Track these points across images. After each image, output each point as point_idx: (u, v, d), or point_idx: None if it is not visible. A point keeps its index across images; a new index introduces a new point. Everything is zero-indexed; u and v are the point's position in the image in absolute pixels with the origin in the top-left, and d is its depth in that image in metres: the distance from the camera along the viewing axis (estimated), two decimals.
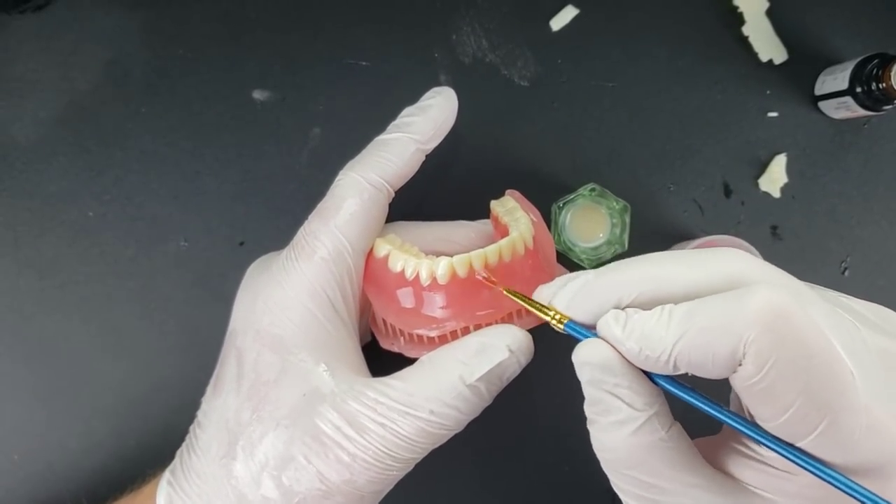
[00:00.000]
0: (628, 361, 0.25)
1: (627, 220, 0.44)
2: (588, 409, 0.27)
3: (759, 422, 0.24)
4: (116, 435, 0.45)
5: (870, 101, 0.43)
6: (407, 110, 0.38)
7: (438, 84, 0.46)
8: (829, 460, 0.23)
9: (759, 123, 0.47)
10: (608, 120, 0.47)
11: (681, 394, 0.25)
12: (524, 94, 0.47)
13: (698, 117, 0.47)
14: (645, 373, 0.26)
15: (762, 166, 0.47)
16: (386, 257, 0.36)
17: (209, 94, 0.46)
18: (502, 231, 0.38)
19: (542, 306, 0.29)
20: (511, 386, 0.46)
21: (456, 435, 0.45)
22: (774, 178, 0.47)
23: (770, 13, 0.47)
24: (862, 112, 0.44)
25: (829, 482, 0.23)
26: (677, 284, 0.25)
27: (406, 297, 0.35)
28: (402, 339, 0.37)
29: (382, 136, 0.37)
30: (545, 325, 0.33)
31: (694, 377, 0.25)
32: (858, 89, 0.43)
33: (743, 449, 0.26)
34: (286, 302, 0.34)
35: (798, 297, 0.24)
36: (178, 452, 0.35)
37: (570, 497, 0.46)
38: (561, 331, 0.28)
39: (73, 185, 0.45)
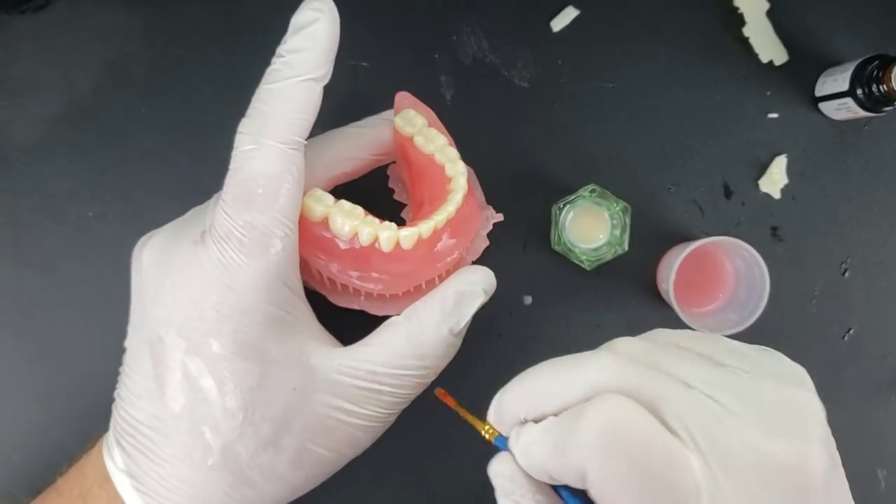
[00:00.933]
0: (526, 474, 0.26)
1: (628, 220, 0.44)
2: None
3: None
4: None
5: (870, 102, 0.43)
6: (292, 41, 0.32)
7: (439, 85, 0.46)
8: None
9: (760, 124, 0.47)
10: (608, 121, 0.47)
11: (567, 499, 0.26)
12: (524, 95, 0.47)
13: (698, 118, 0.47)
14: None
15: (762, 167, 0.47)
16: (325, 221, 0.35)
17: (209, 94, 0.46)
18: (426, 162, 0.38)
19: (479, 422, 0.29)
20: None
21: (456, 436, 0.45)
22: (775, 180, 0.47)
23: (770, 14, 0.47)
24: (862, 113, 0.44)
25: None
26: (552, 399, 0.25)
27: (362, 261, 0.35)
28: (361, 298, 0.37)
29: (279, 85, 0.32)
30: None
31: None
32: (859, 91, 0.43)
33: None
34: (244, 305, 0.31)
35: (646, 400, 0.23)
36: (119, 450, 0.34)
37: None
38: (491, 443, 0.28)
39: (74, 184, 0.45)
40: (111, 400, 0.45)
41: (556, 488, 0.26)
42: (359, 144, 0.38)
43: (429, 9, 0.46)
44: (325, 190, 0.36)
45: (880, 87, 0.42)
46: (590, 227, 0.44)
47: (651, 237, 0.46)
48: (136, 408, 0.33)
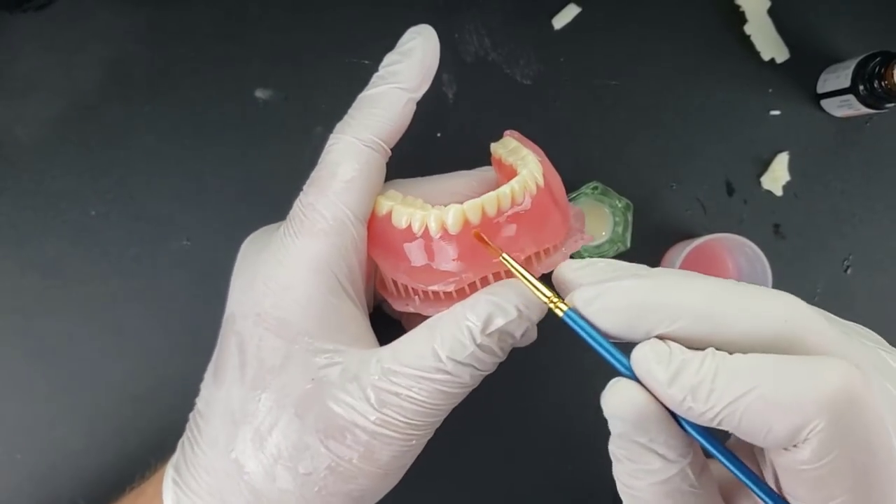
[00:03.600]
0: (664, 409, 0.23)
1: (630, 218, 0.44)
2: (615, 450, 0.25)
3: (790, 499, 0.23)
4: (119, 435, 0.45)
5: (872, 99, 0.43)
6: (389, 58, 0.35)
7: (442, 83, 0.46)
8: None
9: (762, 122, 0.47)
10: (610, 118, 0.47)
11: (711, 448, 0.24)
12: (526, 93, 0.47)
13: (700, 116, 0.47)
14: (674, 416, 0.24)
15: (764, 165, 0.47)
16: (389, 214, 0.34)
17: (212, 92, 0.46)
18: (508, 173, 0.36)
19: (538, 287, 0.26)
20: (515, 384, 0.46)
21: (459, 433, 0.45)
22: (777, 177, 0.47)
23: (772, 12, 0.47)
24: (864, 110, 0.44)
25: None
26: (732, 328, 0.23)
27: (416, 253, 0.33)
28: (416, 298, 0.35)
29: (369, 91, 0.34)
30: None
31: None
32: (861, 87, 0.43)
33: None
34: (288, 281, 0.32)
35: (867, 376, 0.22)
36: (180, 445, 0.34)
37: (573, 496, 0.46)
38: (559, 315, 0.25)
39: (76, 184, 0.45)
40: (115, 400, 0.45)
41: (682, 425, 0.23)
42: (468, 182, 0.38)
43: (431, 7, 0.47)
44: None
45: (882, 83, 0.42)
46: (592, 225, 0.44)
47: (653, 235, 0.46)
48: (200, 396, 0.34)
